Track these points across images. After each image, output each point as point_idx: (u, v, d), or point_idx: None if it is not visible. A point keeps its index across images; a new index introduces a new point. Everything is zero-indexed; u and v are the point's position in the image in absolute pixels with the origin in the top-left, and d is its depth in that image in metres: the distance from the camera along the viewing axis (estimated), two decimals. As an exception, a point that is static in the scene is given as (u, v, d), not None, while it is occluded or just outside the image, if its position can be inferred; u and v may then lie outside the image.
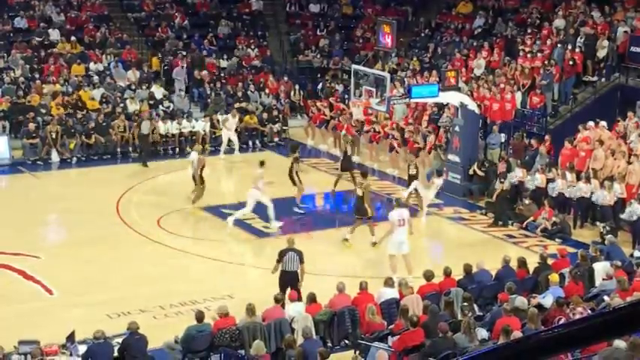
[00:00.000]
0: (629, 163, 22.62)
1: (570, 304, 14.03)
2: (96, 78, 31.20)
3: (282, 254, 16.68)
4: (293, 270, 16.59)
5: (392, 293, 15.91)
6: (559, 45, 28.88)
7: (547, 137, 24.96)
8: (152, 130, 28.10)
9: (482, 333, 13.59)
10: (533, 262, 17.40)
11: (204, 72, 32.94)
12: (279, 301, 15.38)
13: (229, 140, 28.59)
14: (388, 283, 16.14)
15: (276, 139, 30.57)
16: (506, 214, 22.74)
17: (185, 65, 32.72)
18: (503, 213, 22.67)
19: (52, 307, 17.05)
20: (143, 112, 28.72)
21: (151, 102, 30.70)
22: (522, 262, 17.10)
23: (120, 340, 14.09)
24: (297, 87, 33.99)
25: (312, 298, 15.37)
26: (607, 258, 17.30)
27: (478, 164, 24.79)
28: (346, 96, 30.05)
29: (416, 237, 22.07)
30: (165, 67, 32.89)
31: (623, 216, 21.51)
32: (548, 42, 29.43)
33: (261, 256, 19.62)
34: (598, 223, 21.61)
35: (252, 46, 35.69)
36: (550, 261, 17.57)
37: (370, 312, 14.78)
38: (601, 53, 28.43)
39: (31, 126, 27.41)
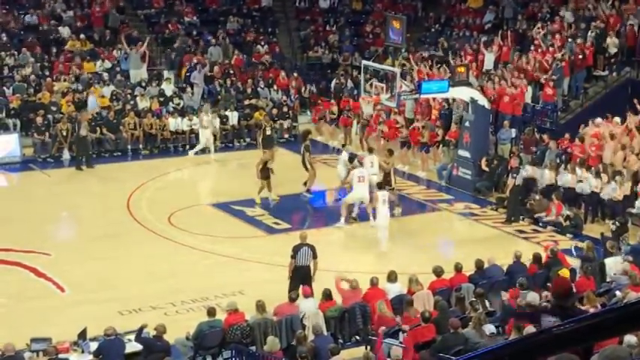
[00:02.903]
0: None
1: (583, 299, 13.99)
2: (106, 75, 31.24)
3: (296, 250, 16.72)
4: (306, 265, 16.65)
5: (396, 288, 15.91)
6: (570, 39, 28.79)
7: (567, 135, 24.78)
8: (89, 132, 27.12)
9: (489, 328, 13.52)
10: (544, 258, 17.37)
11: (216, 68, 32.93)
12: (294, 300, 15.40)
13: (206, 139, 28.31)
14: (391, 278, 16.13)
15: (286, 136, 30.56)
16: (518, 209, 22.69)
17: (203, 68, 32.56)
18: (515, 209, 22.62)
19: (63, 304, 17.09)
20: (82, 114, 27.58)
21: (161, 99, 30.75)
22: (537, 258, 17.02)
23: (131, 337, 14.13)
24: (308, 86, 33.89)
25: (327, 295, 15.37)
26: (632, 251, 17.19)
27: (486, 160, 24.75)
28: (355, 92, 30.05)
29: (427, 232, 22.20)
30: (188, 74, 32.74)
31: (633, 210, 21.48)
32: (558, 36, 29.33)
33: (271, 253, 19.60)
34: (607, 220, 21.45)
35: (262, 43, 35.68)
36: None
37: (380, 308, 14.75)
38: (612, 48, 28.32)
39: (39, 120, 27.44)
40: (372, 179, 22.58)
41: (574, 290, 13.12)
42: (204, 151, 28.27)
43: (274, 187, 23.39)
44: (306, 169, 24.15)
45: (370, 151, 24.08)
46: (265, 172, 23.01)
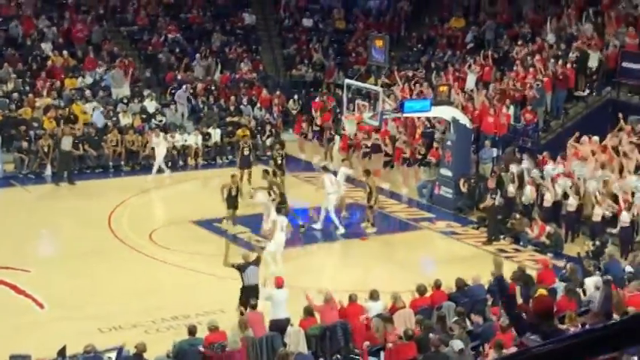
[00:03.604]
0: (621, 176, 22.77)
1: (565, 318, 14.01)
2: (88, 92, 31.10)
3: (242, 269, 16.68)
4: (255, 283, 16.65)
5: (379, 306, 15.89)
6: (552, 60, 28.99)
7: (545, 153, 24.95)
8: (73, 146, 27.10)
9: (457, 344, 13.50)
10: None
11: (199, 85, 32.93)
12: (254, 307, 15.62)
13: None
14: (373, 296, 16.10)
15: (268, 153, 30.53)
16: (498, 229, 22.75)
17: (188, 87, 32.58)
18: (495, 228, 22.69)
19: (43, 321, 16.98)
20: (64, 128, 27.56)
21: (144, 116, 30.69)
22: (517, 277, 17.05)
23: (111, 354, 14.05)
24: (295, 97, 34.06)
25: (309, 312, 15.33)
26: (606, 272, 17.24)
27: (463, 180, 24.84)
28: (338, 110, 30.11)
29: (409, 251, 22.22)
30: (173, 92, 32.66)
31: (614, 231, 21.60)
32: (538, 57, 29.50)
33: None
34: (586, 242, 21.34)
35: (245, 60, 35.73)
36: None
37: (377, 326, 14.70)
38: (592, 62, 28.51)
39: (25, 144, 27.34)
40: (330, 198, 22.86)
41: (555, 310, 13.15)
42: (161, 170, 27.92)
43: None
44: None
45: (325, 169, 24.26)
46: (231, 201, 22.45)
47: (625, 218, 21.26)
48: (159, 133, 28.25)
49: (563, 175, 23.29)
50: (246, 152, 26.39)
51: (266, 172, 23.61)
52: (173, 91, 32.52)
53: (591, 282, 16.61)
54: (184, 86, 32.37)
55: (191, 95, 32.64)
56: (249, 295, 16.38)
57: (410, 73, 32.60)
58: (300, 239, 22.59)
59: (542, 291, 15.65)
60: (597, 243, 20.19)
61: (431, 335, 13.52)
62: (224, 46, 36.38)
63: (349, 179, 25.16)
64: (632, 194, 21.96)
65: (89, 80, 32.15)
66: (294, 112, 33.45)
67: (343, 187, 23.98)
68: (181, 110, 31.86)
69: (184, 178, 28.03)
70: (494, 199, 22.85)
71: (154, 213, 24.26)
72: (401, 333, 14.17)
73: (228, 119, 31.66)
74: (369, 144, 28.08)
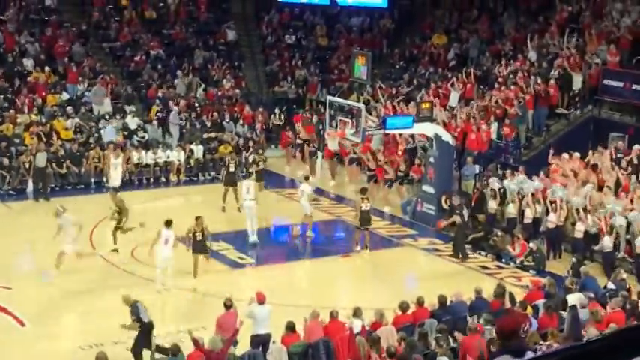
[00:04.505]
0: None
1: (547, 335, 14.02)
2: (70, 108, 30.95)
3: (135, 310, 15.95)
4: (150, 319, 16.04)
5: (361, 324, 15.84)
6: (532, 77, 29.14)
7: (521, 168, 25.07)
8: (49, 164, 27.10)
9: (443, 360, 13.53)
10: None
11: (182, 102, 32.86)
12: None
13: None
14: (356, 313, 16.04)
15: (250, 170, 30.46)
16: (462, 247, 22.73)
17: (176, 105, 32.55)
18: (461, 246, 22.71)
19: (23, 338, 16.87)
20: (38, 145, 27.39)
21: (125, 132, 30.60)
22: (500, 293, 17.07)
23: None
24: (277, 110, 34.08)
25: (291, 328, 15.25)
26: (582, 289, 17.33)
27: (445, 197, 24.90)
28: (320, 127, 30.16)
29: (391, 268, 22.20)
30: (160, 115, 32.43)
31: (596, 247, 21.67)
32: (520, 74, 29.63)
33: (235, 288, 19.47)
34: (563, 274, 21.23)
35: (228, 77, 35.73)
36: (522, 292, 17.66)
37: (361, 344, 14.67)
38: (576, 84, 28.66)
39: (6, 162, 27.23)
40: (251, 205, 22.94)
41: (520, 328, 13.10)
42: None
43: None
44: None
45: (249, 175, 24.51)
46: (197, 246, 20.75)
47: (607, 243, 21.33)
48: (119, 154, 27.42)
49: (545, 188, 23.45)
50: (232, 169, 26.27)
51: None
52: (165, 114, 32.24)
53: (574, 299, 16.65)
54: (175, 107, 32.27)
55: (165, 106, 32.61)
56: (148, 333, 15.78)
57: (393, 90, 32.69)
58: (281, 256, 22.61)
59: (528, 309, 15.78)
60: (574, 260, 20.26)
61: (415, 356, 13.48)
62: (207, 63, 36.38)
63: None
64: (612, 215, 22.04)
65: (65, 96, 31.93)
66: (279, 123, 33.50)
67: (308, 205, 23.85)
68: (175, 131, 31.79)
69: (166, 195, 27.92)
70: (459, 215, 22.91)
71: (135, 229, 24.06)
72: (383, 350, 14.13)
73: (205, 135, 31.57)
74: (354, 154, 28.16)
